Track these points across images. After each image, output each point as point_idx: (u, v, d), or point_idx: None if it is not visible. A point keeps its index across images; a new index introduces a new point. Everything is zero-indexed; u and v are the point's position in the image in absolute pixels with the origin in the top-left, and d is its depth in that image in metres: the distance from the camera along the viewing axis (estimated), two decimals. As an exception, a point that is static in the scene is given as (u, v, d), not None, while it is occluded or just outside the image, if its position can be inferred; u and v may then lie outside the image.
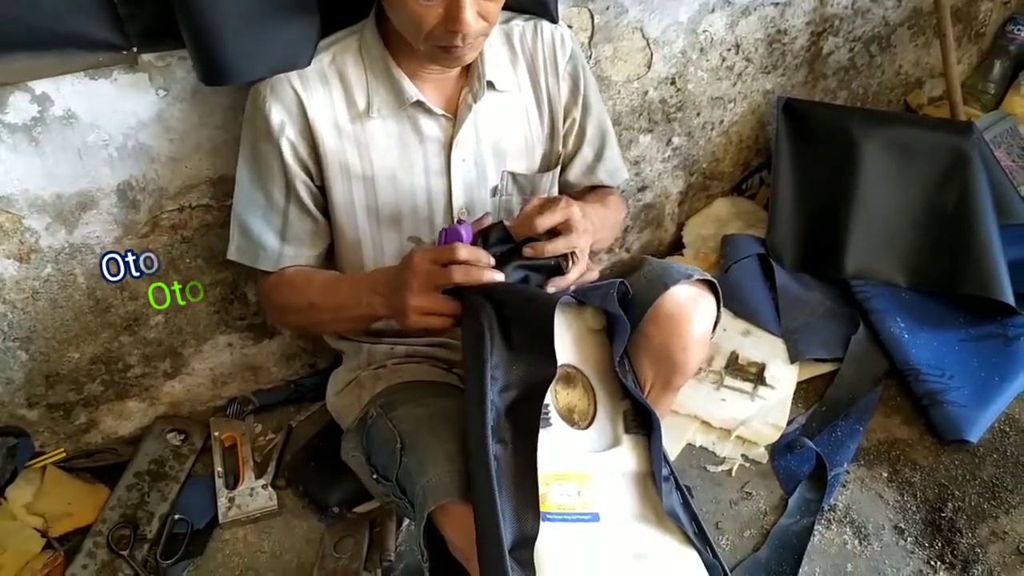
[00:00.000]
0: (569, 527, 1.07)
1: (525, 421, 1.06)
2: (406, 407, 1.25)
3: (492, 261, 1.12)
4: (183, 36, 1.23)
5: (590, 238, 1.21)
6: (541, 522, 1.02)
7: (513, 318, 1.10)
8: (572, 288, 1.18)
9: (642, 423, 1.19)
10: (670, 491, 1.15)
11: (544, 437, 1.07)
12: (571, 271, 1.17)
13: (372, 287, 1.20)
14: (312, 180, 1.29)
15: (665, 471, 1.15)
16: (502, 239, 1.17)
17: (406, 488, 1.17)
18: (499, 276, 1.11)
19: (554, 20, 1.36)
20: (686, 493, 1.18)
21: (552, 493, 1.07)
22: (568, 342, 1.19)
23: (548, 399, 1.12)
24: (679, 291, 1.25)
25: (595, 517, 1.09)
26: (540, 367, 1.08)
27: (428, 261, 1.11)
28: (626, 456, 1.17)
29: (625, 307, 1.17)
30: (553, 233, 1.17)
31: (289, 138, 1.24)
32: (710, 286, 1.30)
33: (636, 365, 1.26)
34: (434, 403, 1.24)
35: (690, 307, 1.25)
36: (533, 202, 1.19)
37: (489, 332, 1.08)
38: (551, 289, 1.15)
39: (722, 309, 1.31)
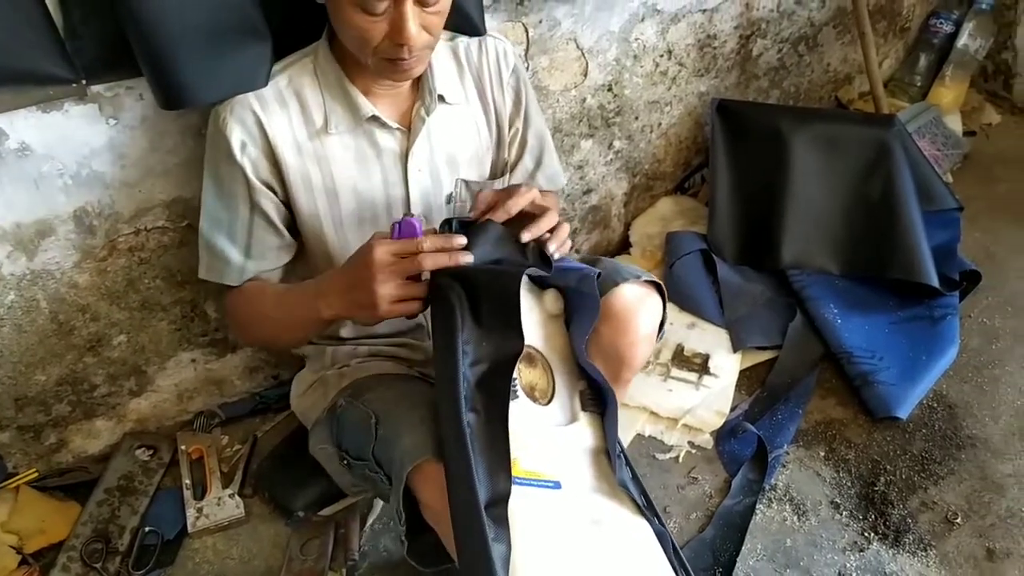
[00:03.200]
0: (535, 491, 1.14)
1: (496, 391, 1.13)
2: (375, 391, 1.33)
3: (464, 241, 1.16)
4: (139, 63, 1.28)
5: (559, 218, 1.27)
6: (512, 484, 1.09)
7: (483, 298, 1.16)
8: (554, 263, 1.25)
9: (597, 402, 1.29)
10: (622, 466, 1.24)
11: (512, 407, 1.14)
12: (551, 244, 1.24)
13: (328, 289, 1.21)
14: (277, 196, 1.33)
15: (617, 448, 1.24)
16: (458, 231, 1.22)
17: (382, 460, 1.23)
18: (468, 257, 1.16)
19: (481, 33, 1.43)
20: (635, 469, 1.28)
21: (521, 459, 1.15)
22: (530, 325, 1.27)
23: (515, 374, 1.18)
24: (627, 289, 1.34)
25: (557, 485, 1.18)
26: (508, 343, 1.14)
27: (390, 254, 1.13)
28: (583, 431, 1.26)
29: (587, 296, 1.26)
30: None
31: (251, 157, 1.28)
32: (656, 287, 1.39)
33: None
34: (401, 385, 1.32)
35: (638, 305, 1.34)
36: (494, 192, 1.26)
37: (460, 309, 1.14)
38: (527, 236, 1.21)
39: (668, 305, 1.41)
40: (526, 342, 1.26)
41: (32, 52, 1.26)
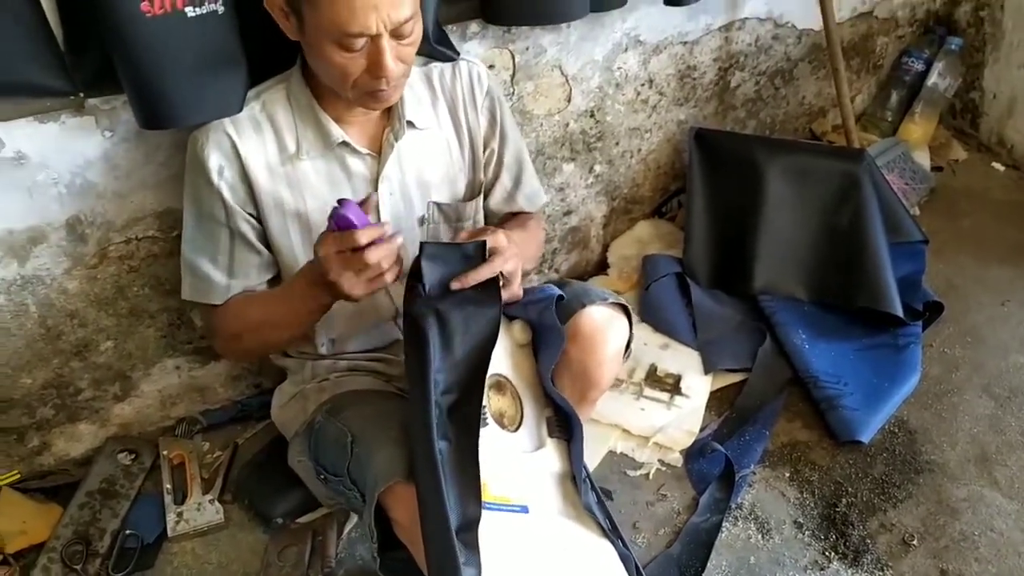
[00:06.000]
0: (504, 516, 1.19)
1: (467, 419, 1.18)
2: (353, 408, 1.36)
3: (390, 230, 1.18)
4: (123, 85, 1.32)
5: (518, 262, 1.30)
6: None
7: (456, 331, 1.20)
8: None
9: (564, 428, 1.34)
10: (587, 490, 1.30)
11: (482, 434, 1.19)
12: (503, 292, 1.27)
13: (310, 281, 1.25)
14: (254, 217, 1.37)
15: (583, 473, 1.30)
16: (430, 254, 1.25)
17: (356, 478, 1.27)
18: (400, 239, 1.18)
19: (453, 58, 1.47)
20: (600, 493, 1.33)
21: (490, 484, 1.19)
22: (499, 354, 1.31)
23: (484, 402, 1.23)
24: (595, 311, 1.40)
25: (525, 509, 1.23)
26: (477, 374, 1.20)
27: (335, 252, 1.16)
28: (550, 457, 1.32)
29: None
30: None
31: (228, 181, 1.32)
32: (623, 308, 1.44)
33: (555, 380, 1.38)
34: (378, 403, 1.36)
35: (605, 326, 1.40)
36: (461, 235, 1.31)
37: (432, 340, 1.18)
38: (456, 285, 1.22)
39: (642, 325, 1.48)
40: (496, 370, 1.31)
41: (32, 64, 1.31)
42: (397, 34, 1.19)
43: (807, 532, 1.69)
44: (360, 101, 1.29)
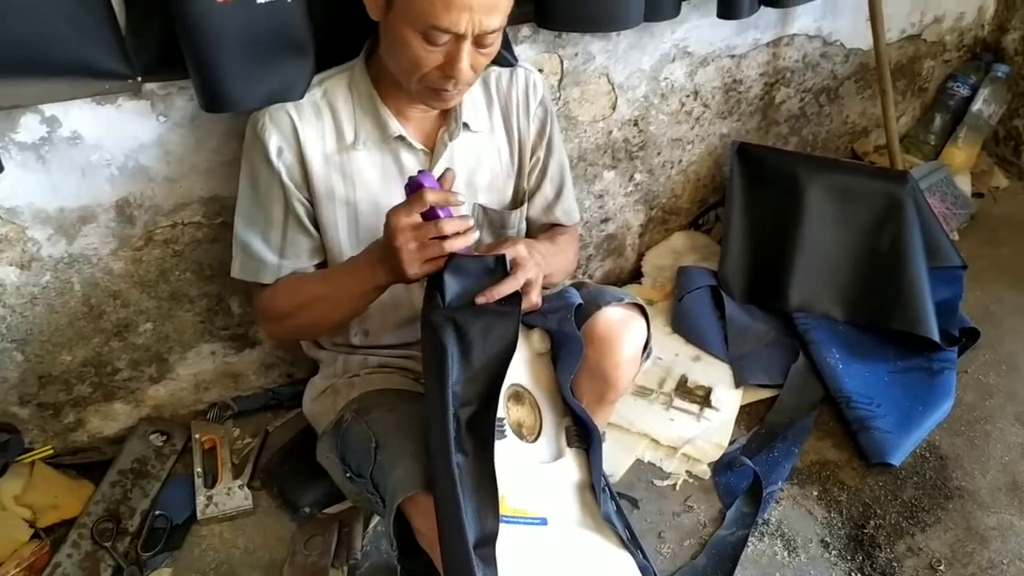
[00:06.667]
0: (522, 529, 1.18)
1: (483, 432, 1.17)
2: (379, 411, 1.37)
3: (460, 198, 1.20)
4: (188, 67, 1.34)
5: (539, 271, 1.30)
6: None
7: (475, 342, 1.20)
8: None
9: (582, 438, 1.33)
10: (606, 500, 1.28)
11: (500, 446, 1.18)
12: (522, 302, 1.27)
13: (370, 259, 1.28)
14: (307, 200, 1.39)
15: (602, 482, 1.29)
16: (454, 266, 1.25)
17: (379, 484, 1.28)
18: (471, 221, 1.21)
19: (512, 64, 1.48)
20: (619, 503, 1.32)
21: (508, 497, 1.18)
22: (517, 363, 1.31)
23: (502, 413, 1.23)
24: (611, 312, 1.38)
25: (543, 521, 1.22)
26: (495, 386, 1.19)
27: (405, 218, 1.18)
28: (569, 467, 1.30)
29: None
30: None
31: (286, 162, 1.34)
32: (641, 309, 1.43)
33: (573, 382, 1.36)
34: (404, 408, 1.35)
35: (621, 327, 1.38)
36: (482, 248, 1.32)
37: (451, 352, 1.18)
38: (481, 300, 1.22)
39: (674, 336, 1.47)
40: (514, 380, 1.31)
41: (92, 46, 1.33)
42: (480, 41, 1.20)
43: (834, 552, 1.68)
44: (421, 96, 1.30)
